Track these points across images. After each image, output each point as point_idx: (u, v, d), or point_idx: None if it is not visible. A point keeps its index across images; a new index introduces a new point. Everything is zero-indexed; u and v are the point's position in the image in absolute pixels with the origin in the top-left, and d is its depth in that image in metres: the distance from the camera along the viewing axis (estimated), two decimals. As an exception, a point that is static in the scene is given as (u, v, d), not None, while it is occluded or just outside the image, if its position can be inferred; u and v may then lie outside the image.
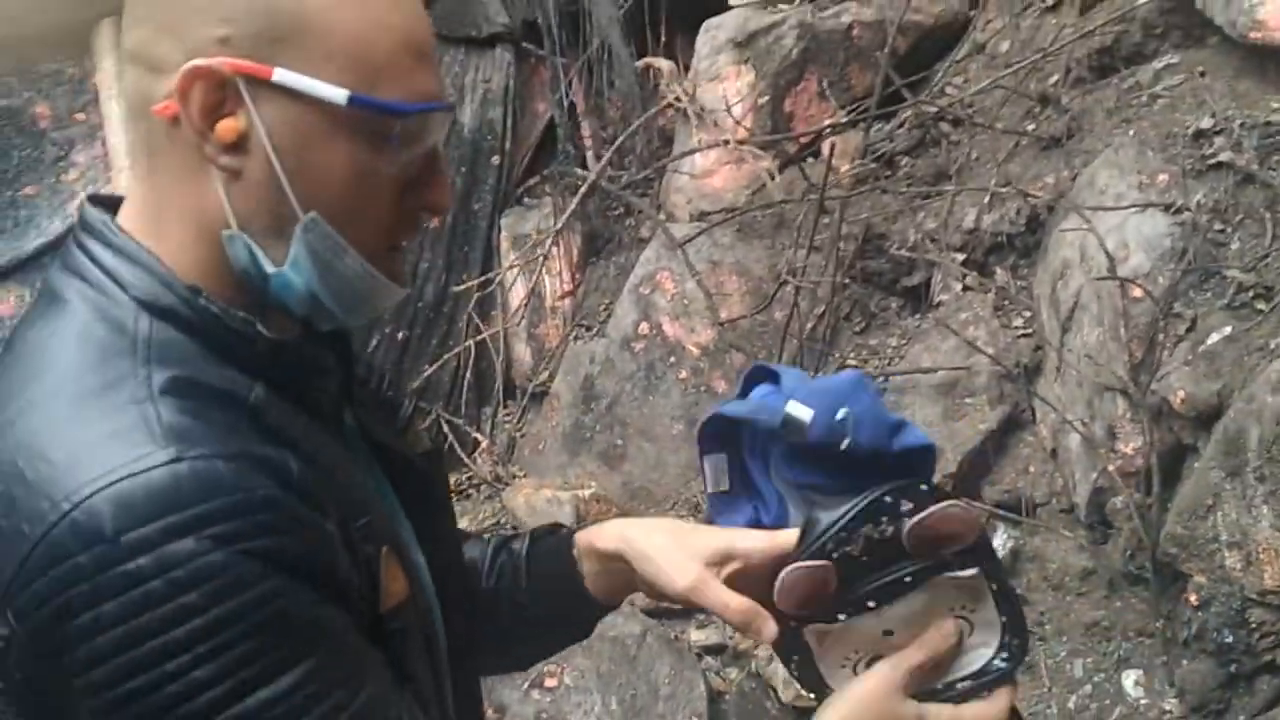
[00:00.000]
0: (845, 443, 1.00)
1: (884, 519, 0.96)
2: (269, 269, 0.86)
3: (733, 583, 1.00)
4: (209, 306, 0.85)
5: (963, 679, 1.02)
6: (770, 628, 0.98)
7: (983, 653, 1.02)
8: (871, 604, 0.99)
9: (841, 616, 0.99)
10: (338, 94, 0.83)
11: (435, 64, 0.91)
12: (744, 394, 1.09)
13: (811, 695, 1.03)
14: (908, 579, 0.98)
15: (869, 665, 1.01)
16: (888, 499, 0.97)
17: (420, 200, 0.91)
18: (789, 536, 0.99)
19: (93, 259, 0.87)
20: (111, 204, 0.93)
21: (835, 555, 0.96)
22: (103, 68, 4.01)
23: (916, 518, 0.96)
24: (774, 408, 1.03)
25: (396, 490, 1.03)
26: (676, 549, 1.03)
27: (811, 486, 1.05)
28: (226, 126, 0.83)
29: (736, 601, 0.98)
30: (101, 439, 0.77)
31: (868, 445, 1.01)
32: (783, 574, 0.96)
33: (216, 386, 0.83)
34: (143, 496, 0.74)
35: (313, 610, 0.79)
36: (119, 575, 0.73)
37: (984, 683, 1.02)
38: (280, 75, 0.82)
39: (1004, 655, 1.02)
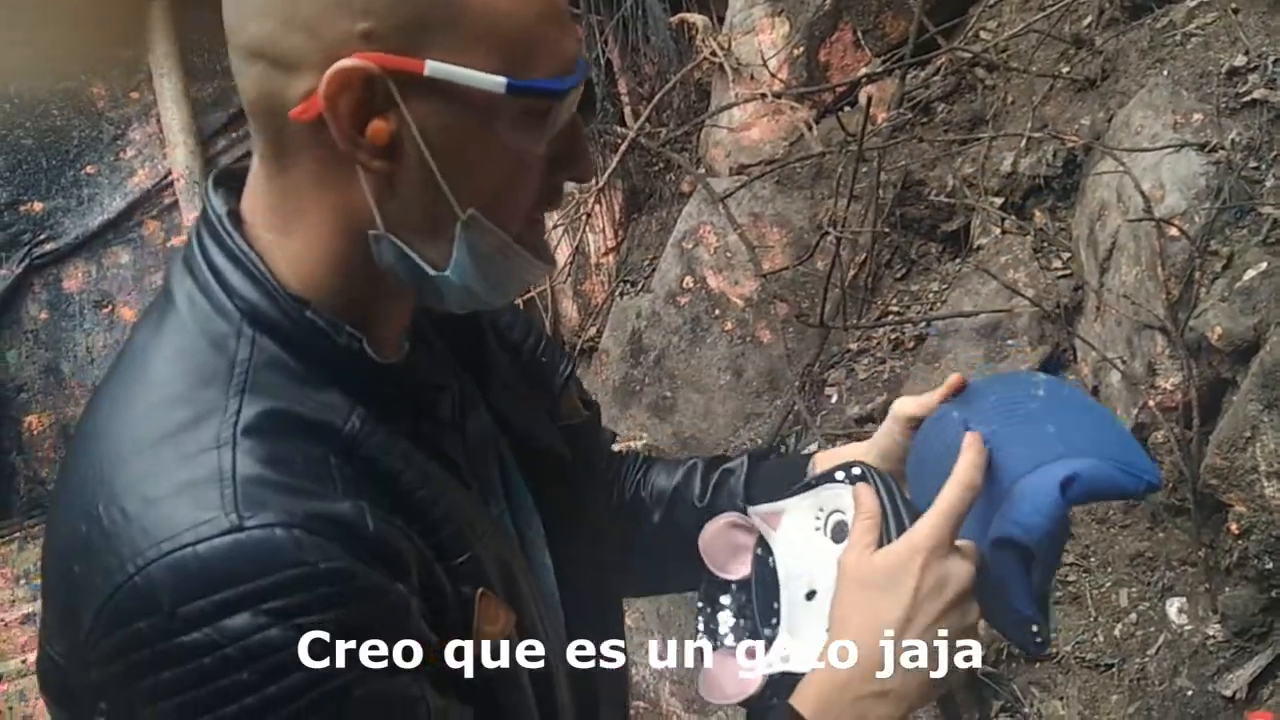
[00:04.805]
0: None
1: None
2: (429, 271, 0.81)
3: None
4: (315, 321, 0.81)
5: None
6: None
7: None
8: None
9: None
10: (495, 82, 0.75)
11: (572, 24, 0.82)
12: None
13: None
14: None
15: (832, 520, 1.06)
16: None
17: (567, 172, 0.85)
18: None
19: (206, 258, 0.83)
20: (241, 179, 0.87)
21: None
22: (155, 47, 4.09)
23: None
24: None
25: (530, 482, 1.01)
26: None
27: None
28: (377, 129, 0.76)
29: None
30: (172, 493, 0.74)
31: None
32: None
33: (309, 418, 0.79)
34: (200, 568, 0.71)
35: (378, 682, 0.74)
36: (175, 647, 0.70)
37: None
38: (433, 68, 0.75)
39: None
